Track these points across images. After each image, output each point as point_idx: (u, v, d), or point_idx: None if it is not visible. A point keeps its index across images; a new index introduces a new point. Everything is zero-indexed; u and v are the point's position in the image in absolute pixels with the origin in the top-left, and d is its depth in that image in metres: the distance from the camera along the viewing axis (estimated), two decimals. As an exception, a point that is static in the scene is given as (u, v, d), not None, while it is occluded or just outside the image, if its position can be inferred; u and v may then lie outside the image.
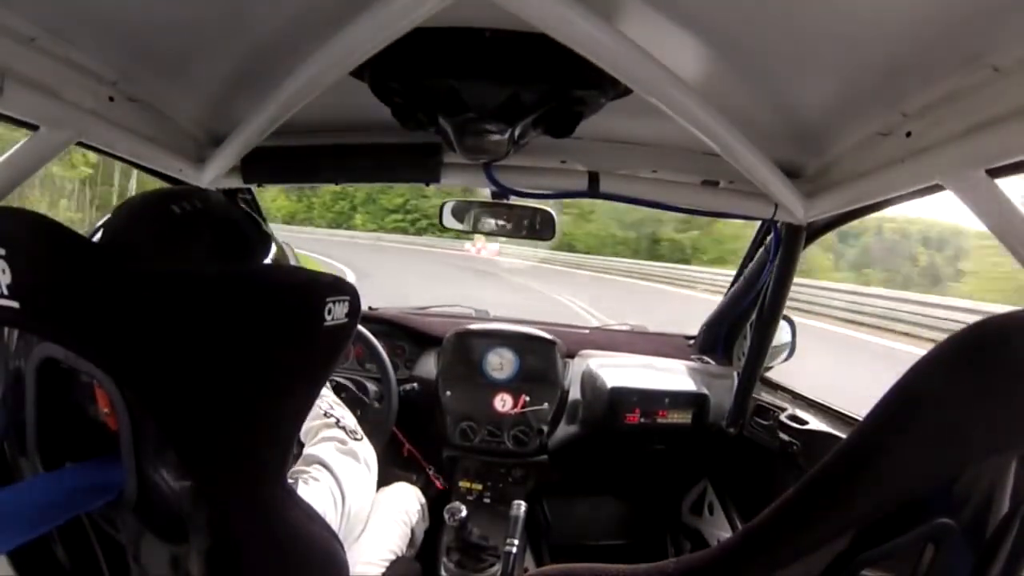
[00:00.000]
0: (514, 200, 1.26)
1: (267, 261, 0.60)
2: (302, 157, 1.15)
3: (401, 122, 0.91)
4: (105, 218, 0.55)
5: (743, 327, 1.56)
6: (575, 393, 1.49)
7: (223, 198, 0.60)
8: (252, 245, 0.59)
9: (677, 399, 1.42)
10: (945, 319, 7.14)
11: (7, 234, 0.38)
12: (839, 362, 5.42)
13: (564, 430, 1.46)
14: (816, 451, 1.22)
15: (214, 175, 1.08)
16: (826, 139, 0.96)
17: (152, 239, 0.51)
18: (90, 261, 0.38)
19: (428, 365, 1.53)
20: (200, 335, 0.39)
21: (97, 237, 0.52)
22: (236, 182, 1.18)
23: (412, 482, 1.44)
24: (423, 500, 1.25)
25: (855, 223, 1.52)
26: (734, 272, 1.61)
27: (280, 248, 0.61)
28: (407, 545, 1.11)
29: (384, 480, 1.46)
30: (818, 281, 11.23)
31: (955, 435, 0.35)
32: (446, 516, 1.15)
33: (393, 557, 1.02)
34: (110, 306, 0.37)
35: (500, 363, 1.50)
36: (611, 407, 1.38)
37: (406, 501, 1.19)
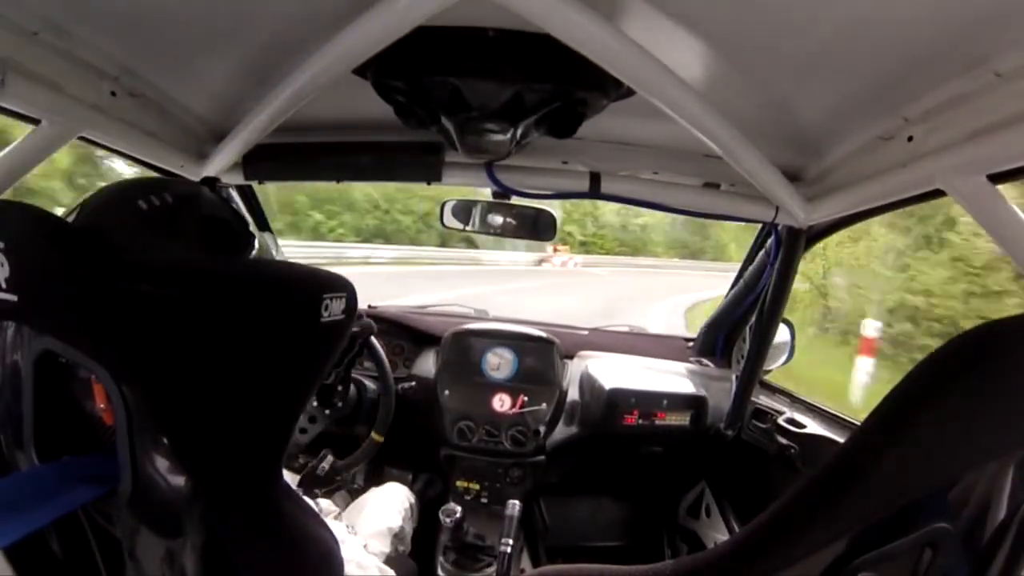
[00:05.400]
0: (515, 200, 1.26)
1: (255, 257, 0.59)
2: (304, 154, 1.15)
3: (403, 120, 0.91)
4: (82, 204, 0.51)
5: (742, 330, 1.56)
6: (573, 394, 1.49)
7: (208, 192, 0.59)
8: (235, 240, 0.58)
9: (675, 401, 1.42)
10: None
11: (7, 228, 0.38)
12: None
13: (562, 431, 1.46)
14: (814, 455, 1.22)
15: (215, 171, 1.07)
16: (827, 143, 0.96)
17: (131, 230, 0.50)
18: (88, 255, 0.37)
19: (427, 364, 1.53)
20: (196, 329, 0.39)
21: (72, 219, 0.50)
22: (237, 178, 1.18)
23: (405, 482, 1.44)
24: (412, 500, 1.27)
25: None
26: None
27: (266, 245, 0.61)
28: (399, 544, 1.13)
29: (377, 479, 1.47)
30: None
31: (952, 440, 0.35)
32: (442, 517, 1.15)
33: (384, 556, 1.03)
34: (107, 300, 0.37)
35: (499, 363, 1.50)
36: (609, 408, 1.38)
37: (397, 501, 1.21)
